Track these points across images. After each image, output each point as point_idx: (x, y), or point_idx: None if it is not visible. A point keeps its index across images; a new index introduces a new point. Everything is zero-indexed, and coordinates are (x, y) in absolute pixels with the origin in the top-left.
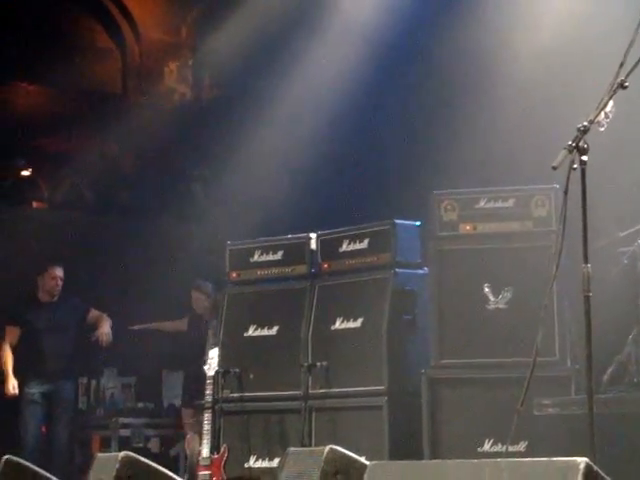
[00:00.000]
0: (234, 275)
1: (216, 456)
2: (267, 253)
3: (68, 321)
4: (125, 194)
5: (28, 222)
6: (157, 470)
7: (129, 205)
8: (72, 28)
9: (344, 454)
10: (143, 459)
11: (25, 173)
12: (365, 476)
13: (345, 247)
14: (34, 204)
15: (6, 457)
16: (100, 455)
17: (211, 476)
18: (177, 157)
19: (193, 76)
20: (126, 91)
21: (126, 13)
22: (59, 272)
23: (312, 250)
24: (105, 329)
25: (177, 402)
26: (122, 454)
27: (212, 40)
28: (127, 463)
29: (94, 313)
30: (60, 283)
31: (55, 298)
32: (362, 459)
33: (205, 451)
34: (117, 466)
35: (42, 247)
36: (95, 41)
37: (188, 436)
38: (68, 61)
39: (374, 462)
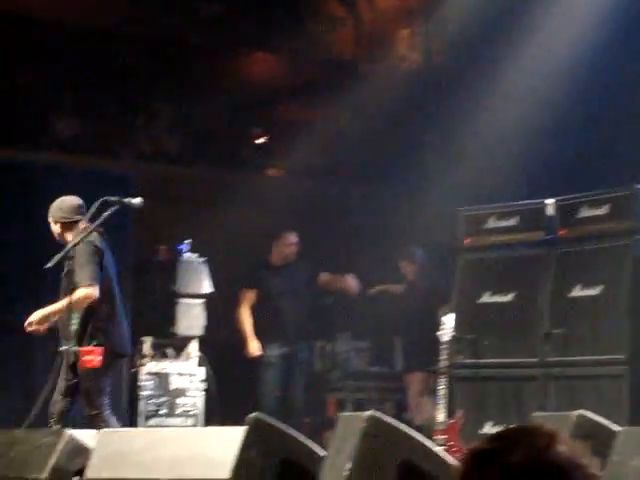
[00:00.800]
0: (468, 241)
1: (452, 421)
2: (502, 219)
3: (302, 284)
4: (356, 161)
5: (264, 189)
6: (402, 430)
7: (360, 172)
8: None
9: (593, 420)
10: (389, 418)
11: (261, 141)
12: (615, 441)
13: (584, 213)
14: (269, 171)
15: (255, 414)
16: (344, 414)
17: (447, 441)
18: (407, 124)
19: (424, 43)
20: (358, 59)
21: None
22: (294, 238)
23: (549, 216)
24: (349, 281)
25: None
26: (368, 413)
27: (444, 7)
28: (374, 422)
29: (326, 276)
30: (294, 249)
31: (289, 262)
32: (612, 425)
33: (441, 416)
34: (363, 424)
35: (277, 214)
36: (328, 9)
37: (419, 400)
38: (302, 29)
39: (625, 428)
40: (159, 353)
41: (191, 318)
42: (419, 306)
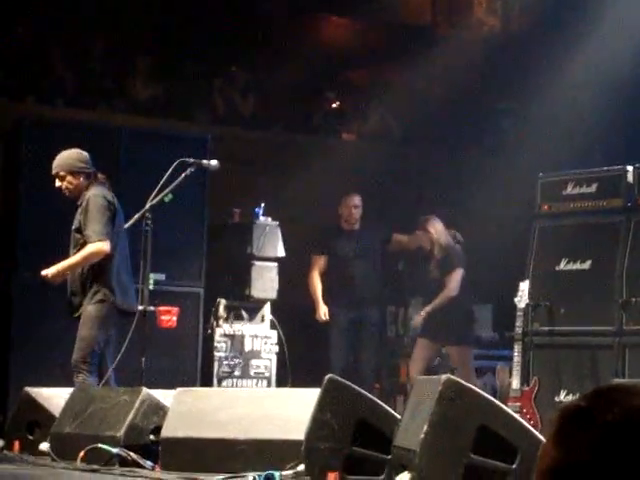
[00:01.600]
0: (545, 207)
1: (526, 388)
2: (581, 186)
3: (372, 248)
4: (431, 126)
5: (338, 153)
6: (481, 395)
7: (435, 137)
8: None
9: None
10: (465, 383)
11: (334, 105)
12: None
13: None
14: (343, 136)
15: (330, 376)
16: (420, 377)
17: (521, 407)
18: (485, 90)
19: (502, 8)
20: (435, 24)
21: None
22: (355, 201)
23: (629, 183)
24: (421, 237)
25: (484, 334)
26: (445, 376)
27: None
28: (450, 385)
29: (398, 237)
30: (355, 211)
31: (356, 226)
32: None
33: (515, 383)
34: (440, 388)
35: (351, 178)
36: None
37: (498, 367)
38: None
39: None
40: (233, 315)
41: (265, 281)
42: (434, 276)
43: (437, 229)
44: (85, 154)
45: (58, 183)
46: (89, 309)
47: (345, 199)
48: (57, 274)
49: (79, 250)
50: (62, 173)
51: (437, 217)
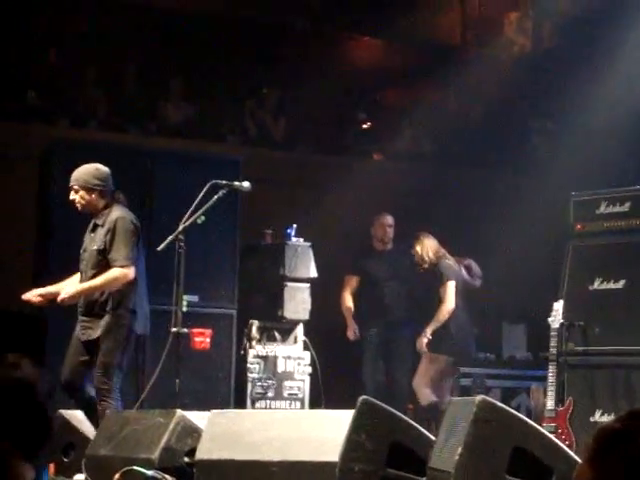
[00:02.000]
0: (579, 227)
1: (561, 409)
2: (614, 205)
3: (404, 268)
4: (463, 146)
5: (369, 174)
6: (516, 416)
7: (467, 157)
8: None
9: None
10: (500, 404)
11: (365, 126)
12: None
13: None
14: (375, 156)
15: (364, 398)
16: (454, 399)
17: (556, 428)
18: (517, 109)
19: (533, 27)
20: (465, 43)
21: None
22: (389, 220)
23: None
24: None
25: (518, 354)
26: (479, 398)
27: None
28: (485, 406)
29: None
30: (389, 230)
31: (389, 246)
32: None
33: (550, 403)
34: (474, 409)
35: (382, 198)
36: None
37: (532, 387)
38: (408, 14)
39: None
40: (266, 336)
41: (297, 302)
42: (426, 288)
43: (424, 245)
44: (104, 170)
45: (72, 195)
46: (111, 333)
47: (378, 219)
48: (76, 297)
49: (99, 272)
50: (76, 187)
51: (429, 233)
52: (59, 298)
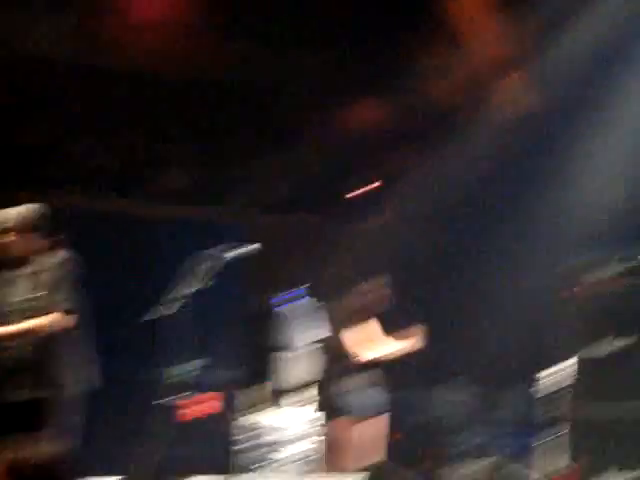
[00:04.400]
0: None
1: (574, 466)
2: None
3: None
4: (465, 207)
5: (368, 235)
6: None
7: (466, 218)
8: (411, 45)
9: None
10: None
11: (365, 189)
12: None
13: None
14: (374, 219)
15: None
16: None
17: None
18: (516, 172)
19: (527, 90)
20: (460, 107)
21: (459, 30)
22: (381, 284)
23: None
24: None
25: None
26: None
27: (548, 52)
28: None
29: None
30: (384, 294)
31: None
32: None
33: (563, 461)
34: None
35: (382, 261)
36: (431, 57)
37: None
38: (408, 78)
39: None
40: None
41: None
42: None
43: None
44: (42, 211)
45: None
46: (49, 397)
47: (372, 282)
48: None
49: (32, 317)
50: (7, 227)
51: None
52: None
